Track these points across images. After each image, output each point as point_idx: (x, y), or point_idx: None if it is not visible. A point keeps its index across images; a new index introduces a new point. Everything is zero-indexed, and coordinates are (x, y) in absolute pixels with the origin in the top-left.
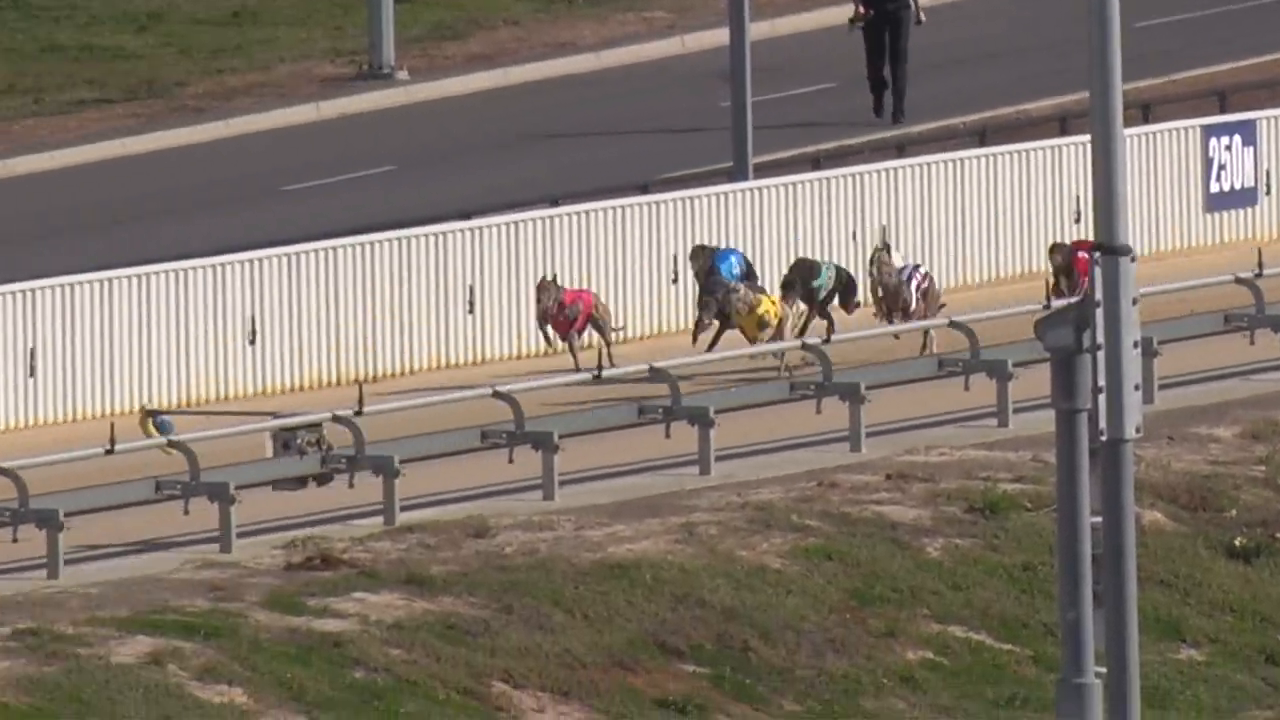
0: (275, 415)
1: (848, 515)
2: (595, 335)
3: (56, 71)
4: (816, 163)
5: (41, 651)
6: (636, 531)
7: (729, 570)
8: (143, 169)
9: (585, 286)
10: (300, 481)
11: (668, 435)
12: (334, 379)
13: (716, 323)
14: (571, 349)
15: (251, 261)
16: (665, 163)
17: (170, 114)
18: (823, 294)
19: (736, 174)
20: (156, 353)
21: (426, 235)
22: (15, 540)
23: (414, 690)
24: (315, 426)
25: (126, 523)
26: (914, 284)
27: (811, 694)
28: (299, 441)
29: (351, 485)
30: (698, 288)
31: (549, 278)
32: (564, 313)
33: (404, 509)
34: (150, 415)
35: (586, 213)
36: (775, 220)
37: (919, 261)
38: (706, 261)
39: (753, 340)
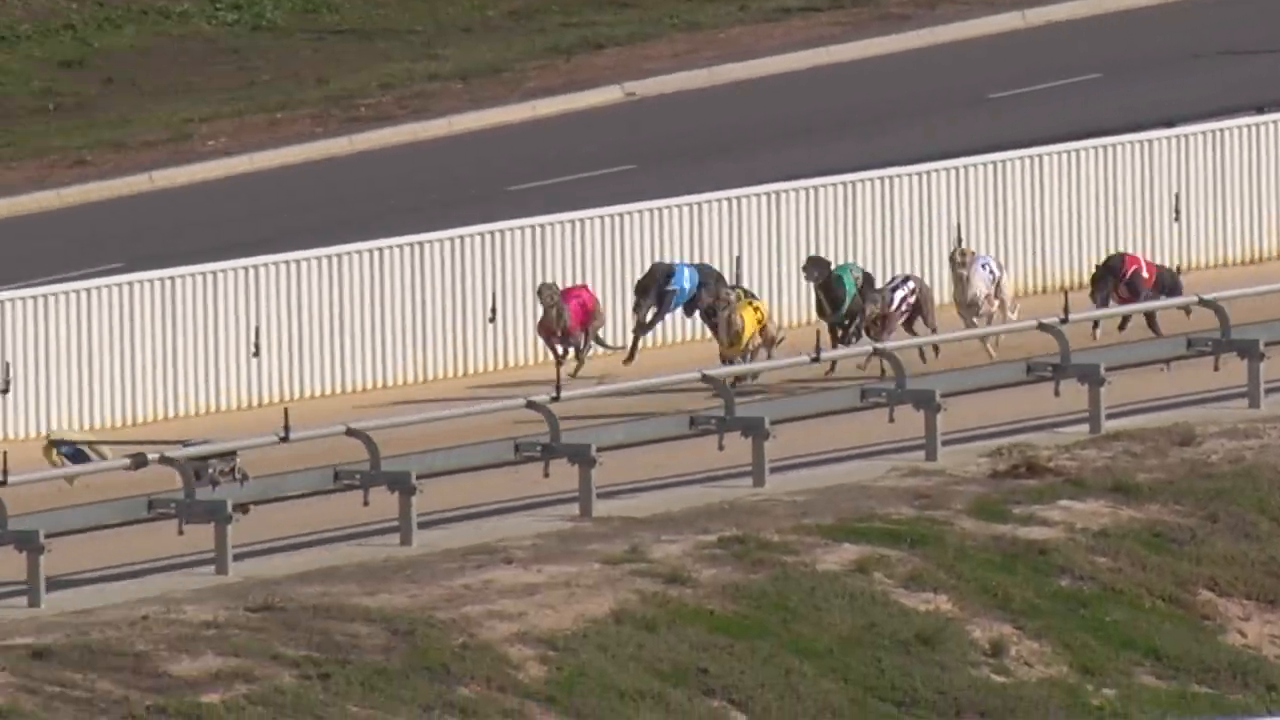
0: (185, 443)
1: None
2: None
3: None
4: None
5: (748, 559)
6: None
7: None
8: (845, 77)
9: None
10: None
11: None
12: (1039, 285)
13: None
14: (577, 352)
15: (956, 169)
16: None
17: (875, 22)
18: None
19: None
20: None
21: (1130, 143)
22: (721, 448)
23: (1119, 598)
24: (229, 455)
25: (833, 431)
26: (898, 296)
27: None
28: (211, 471)
29: (1057, 394)
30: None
31: (547, 281)
32: (563, 321)
33: (1109, 416)
34: (55, 445)
35: None
36: None
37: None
38: (651, 297)
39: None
